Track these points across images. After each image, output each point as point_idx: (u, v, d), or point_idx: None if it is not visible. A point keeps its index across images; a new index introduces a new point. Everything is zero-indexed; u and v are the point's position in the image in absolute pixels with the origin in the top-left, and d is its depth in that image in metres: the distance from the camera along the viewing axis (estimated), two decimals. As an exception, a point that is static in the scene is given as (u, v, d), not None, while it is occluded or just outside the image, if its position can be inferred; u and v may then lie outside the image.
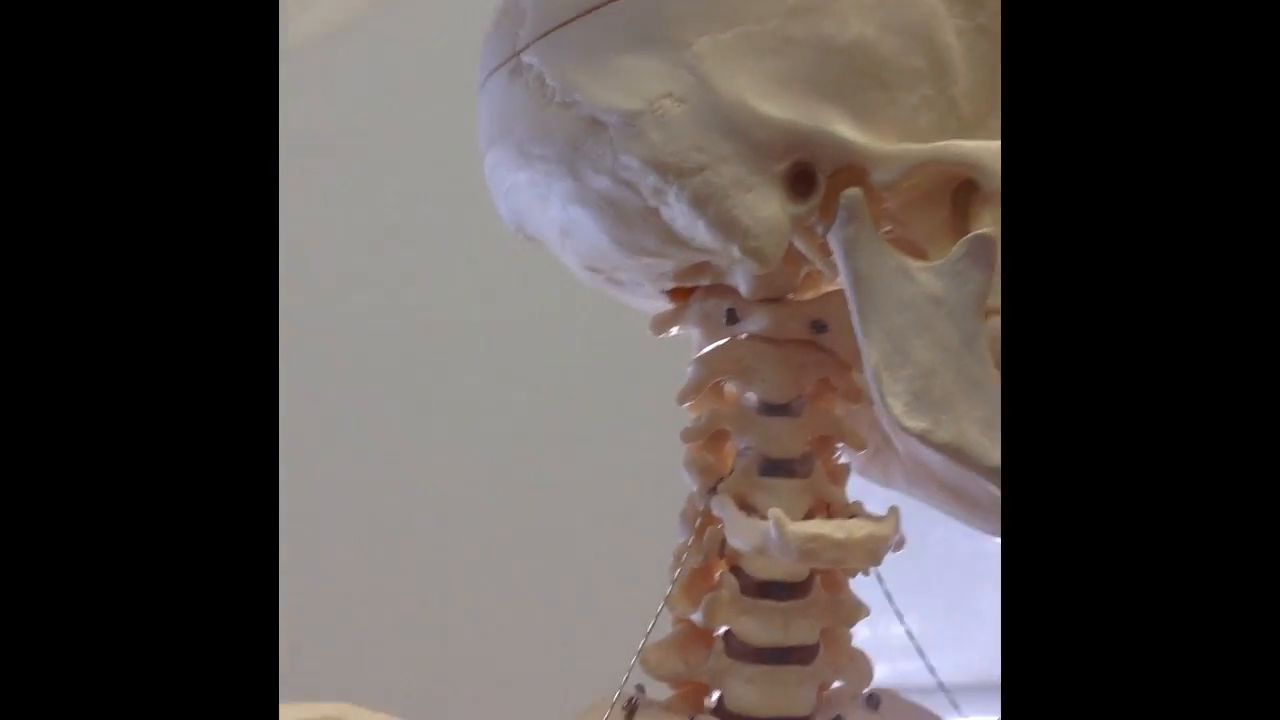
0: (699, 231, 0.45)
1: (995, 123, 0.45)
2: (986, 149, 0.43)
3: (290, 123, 0.56)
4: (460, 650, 0.98)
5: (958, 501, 0.48)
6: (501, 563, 1.01)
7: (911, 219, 0.46)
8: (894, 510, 0.47)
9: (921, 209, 0.46)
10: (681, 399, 0.50)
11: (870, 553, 0.45)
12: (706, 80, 0.44)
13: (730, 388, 0.50)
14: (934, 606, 1.38)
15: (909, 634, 0.51)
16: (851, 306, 0.44)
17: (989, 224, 0.44)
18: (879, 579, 0.49)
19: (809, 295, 0.50)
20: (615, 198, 0.46)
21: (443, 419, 0.93)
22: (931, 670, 0.52)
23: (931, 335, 0.43)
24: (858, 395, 0.49)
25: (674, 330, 0.51)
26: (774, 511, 0.45)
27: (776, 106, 0.43)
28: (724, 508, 0.47)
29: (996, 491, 0.44)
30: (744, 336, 0.49)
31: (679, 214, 0.45)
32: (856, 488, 0.51)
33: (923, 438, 0.43)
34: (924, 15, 0.44)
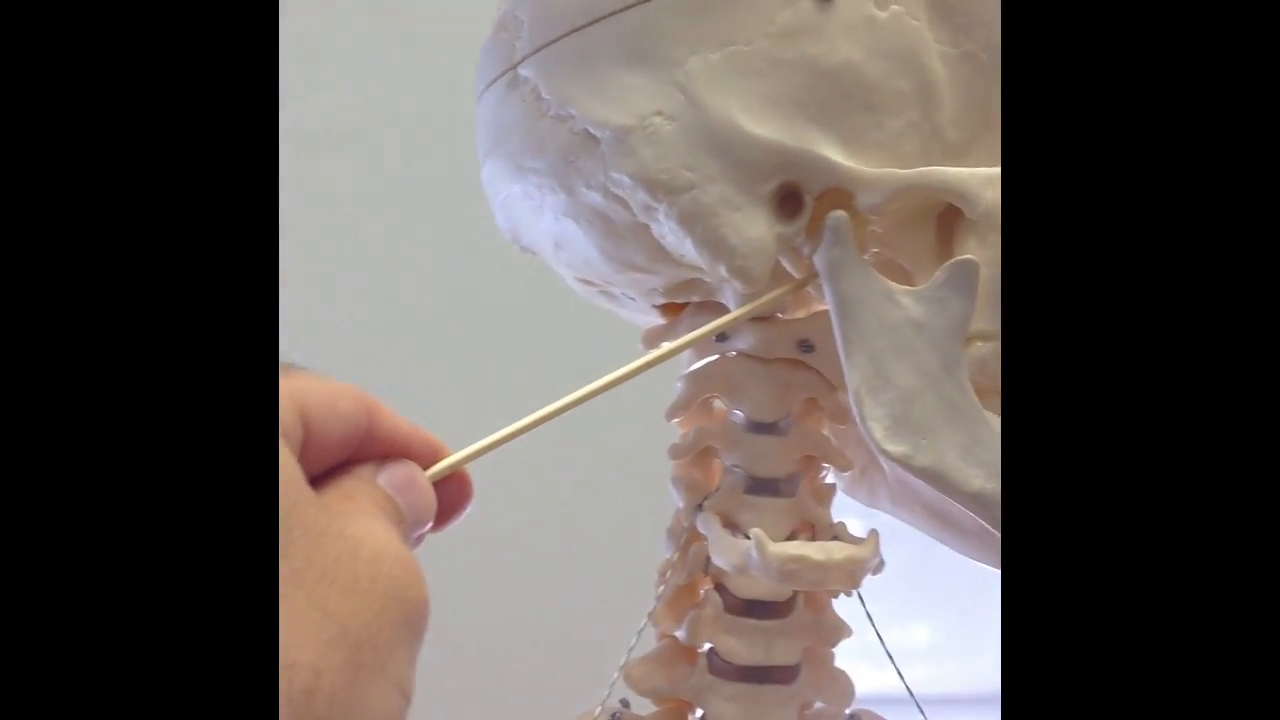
0: (687, 249, 0.47)
1: (980, 149, 0.47)
2: (970, 176, 0.46)
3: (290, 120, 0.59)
4: (443, 663, 1.00)
5: (942, 525, 0.50)
6: (486, 574, 1.02)
7: (898, 242, 0.48)
8: (874, 534, 0.49)
9: (908, 232, 0.48)
10: (670, 415, 0.52)
11: (849, 575, 0.48)
12: (697, 99, 0.46)
13: (719, 405, 0.52)
14: (950, 614, 1.39)
15: (883, 645, 0.53)
16: (835, 328, 0.46)
17: (973, 250, 0.47)
18: (860, 599, 0.51)
19: (801, 314, 0.52)
20: (606, 213, 0.48)
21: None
22: (901, 677, 0.54)
23: (913, 360, 0.45)
24: (844, 416, 0.51)
25: (664, 345, 0.53)
26: (755, 531, 0.47)
27: (765, 127, 0.46)
28: (708, 525, 0.49)
29: (977, 517, 0.46)
30: (732, 354, 0.51)
31: (668, 231, 0.47)
32: (850, 507, 0.53)
33: (903, 462, 0.45)
34: (910, 40, 0.46)
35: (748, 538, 0.48)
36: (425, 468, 0.40)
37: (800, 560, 0.47)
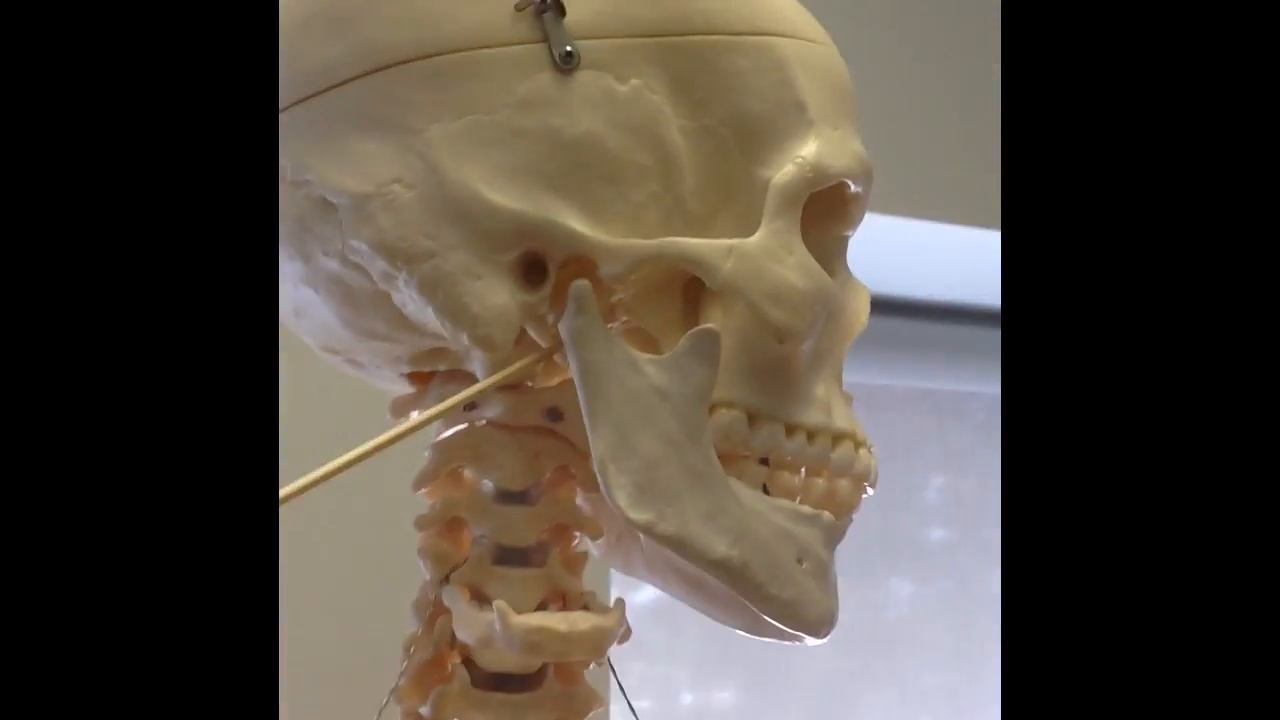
0: (429, 317, 0.47)
1: (722, 221, 0.48)
2: (710, 247, 0.47)
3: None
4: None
5: (696, 592, 0.51)
6: None
7: (646, 311, 0.49)
8: (620, 602, 0.49)
9: (655, 301, 0.49)
10: (417, 485, 0.51)
11: (595, 645, 0.48)
12: (436, 167, 0.46)
13: (468, 474, 0.52)
14: (753, 675, 1.42)
15: (633, 713, 0.54)
16: (580, 396, 0.47)
17: (717, 319, 0.48)
18: (612, 670, 0.52)
19: (550, 382, 0.52)
20: (345, 280, 0.48)
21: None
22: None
23: (656, 428, 0.46)
24: (596, 484, 0.52)
25: (414, 414, 0.53)
26: (498, 604, 0.47)
27: (505, 196, 0.46)
28: (453, 598, 0.49)
29: (721, 584, 0.47)
30: (481, 423, 0.51)
31: (409, 299, 0.47)
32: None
33: (647, 529, 0.46)
34: (650, 114, 0.47)
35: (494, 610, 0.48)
36: None
37: (543, 631, 0.47)
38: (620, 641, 0.49)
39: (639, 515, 0.46)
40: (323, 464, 0.45)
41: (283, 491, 0.43)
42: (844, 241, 0.52)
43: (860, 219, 0.51)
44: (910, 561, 1.48)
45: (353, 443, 0.46)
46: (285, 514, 0.49)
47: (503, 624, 0.47)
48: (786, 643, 0.51)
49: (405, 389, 0.54)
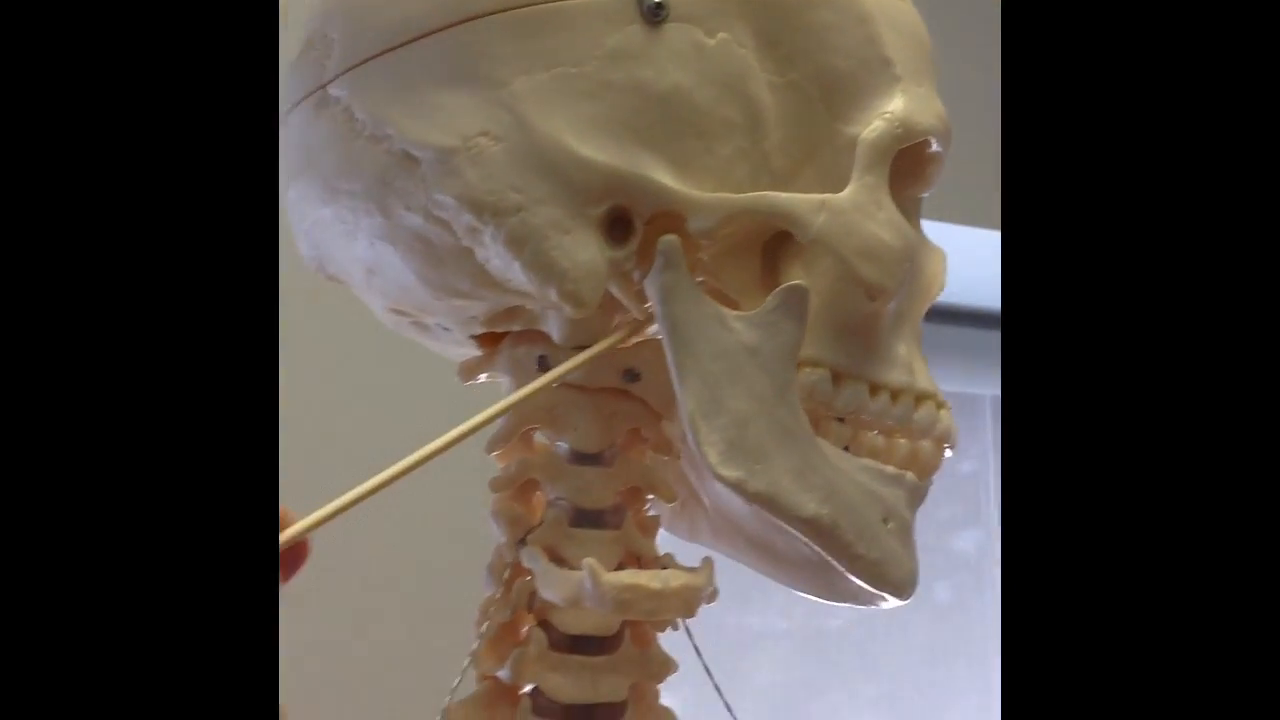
0: (515, 273, 0.46)
1: (806, 177, 0.48)
2: (802, 200, 0.47)
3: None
4: None
5: (762, 556, 0.51)
6: (305, 620, 0.99)
7: (724, 270, 0.49)
8: (708, 561, 0.49)
9: (734, 260, 0.49)
10: (490, 448, 0.51)
11: (686, 603, 0.48)
12: (524, 120, 0.46)
13: (541, 437, 0.52)
14: (694, 686, 1.42)
15: (713, 681, 0.53)
16: (668, 354, 0.47)
17: (798, 276, 0.48)
18: (688, 633, 0.51)
19: (633, 342, 0.52)
20: (427, 235, 0.47)
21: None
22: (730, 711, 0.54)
23: (746, 384, 0.46)
24: (668, 447, 0.51)
25: (482, 377, 0.53)
26: (588, 561, 0.47)
27: (594, 149, 0.46)
28: (534, 559, 0.49)
29: (805, 544, 0.47)
30: (555, 384, 0.50)
31: (494, 254, 0.46)
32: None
33: (737, 487, 0.46)
34: (738, 69, 0.47)
35: (576, 570, 0.48)
36: None
37: (635, 589, 0.47)
38: (708, 601, 0.49)
39: (729, 472, 0.45)
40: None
41: (368, 484, 0.43)
42: (919, 203, 0.52)
43: (936, 180, 0.51)
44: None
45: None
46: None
47: (594, 582, 0.46)
48: (862, 606, 0.50)
49: (470, 353, 0.53)
